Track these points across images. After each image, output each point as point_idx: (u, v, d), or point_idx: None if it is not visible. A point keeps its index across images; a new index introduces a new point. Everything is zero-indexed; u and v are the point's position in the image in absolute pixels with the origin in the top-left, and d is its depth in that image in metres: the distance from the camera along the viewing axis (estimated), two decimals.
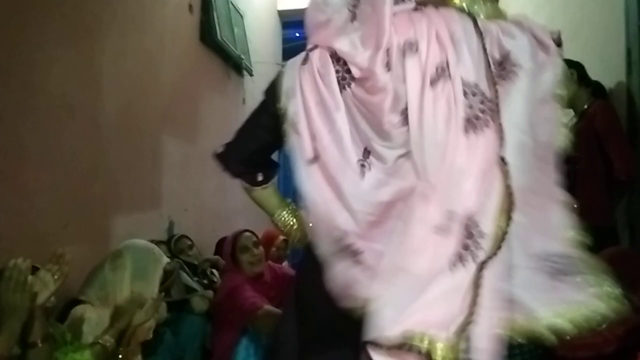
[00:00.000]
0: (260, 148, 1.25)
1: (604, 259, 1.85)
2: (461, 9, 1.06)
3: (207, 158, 4.54)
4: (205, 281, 2.90)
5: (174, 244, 3.11)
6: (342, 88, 1.05)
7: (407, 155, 1.04)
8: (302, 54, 1.12)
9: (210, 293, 2.75)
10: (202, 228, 3.81)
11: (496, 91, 1.00)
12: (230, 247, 2.51)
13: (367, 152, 1.05)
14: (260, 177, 1.27)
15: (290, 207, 1.30)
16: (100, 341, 1.61)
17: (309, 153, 1.06)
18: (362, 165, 1.04)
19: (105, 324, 1.75)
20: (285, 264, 3.58)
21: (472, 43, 1.01)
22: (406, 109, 1.01)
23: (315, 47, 1.10)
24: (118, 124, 2.78)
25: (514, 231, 0.95)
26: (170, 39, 3.44)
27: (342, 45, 1.04)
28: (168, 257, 2.24)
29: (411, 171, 1.03)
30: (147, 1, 3.17)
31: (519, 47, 1.04)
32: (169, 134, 3.40)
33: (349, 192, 1.03)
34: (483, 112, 0.99)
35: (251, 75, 4.85)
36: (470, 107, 0.99)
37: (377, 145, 1.05)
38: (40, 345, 1.43)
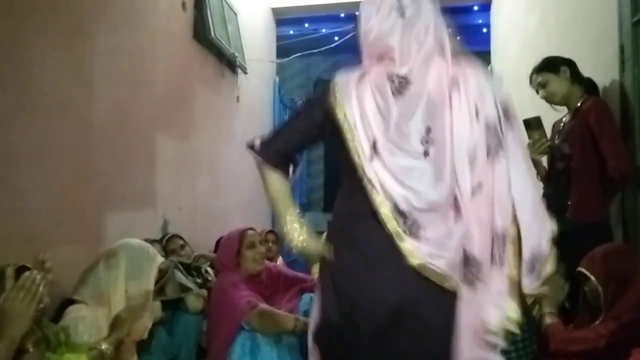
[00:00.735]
0: (303, 144, 1.46)
1: (599, 255, 1.88)
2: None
3: (201, 156, 4.51)
4: (199, 280, 2.89)
5: (165, 244, 3.09)
6: (398, 94, 1.29)
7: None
8: (357, 70, 1.36)
9: (205, 292, 2.74)
10: (196, 226, 3.80)
11: (501, 129, 1.29)
12: (237, 244, 2.50)
13: (424, 139, 1.28)
14: (291, 169, 1.46)
15: (298, 218, 1.43)
16: (98, 347, 1.61)
17: (367, 151, 1.28)
18: (426, 152, 1.28)
19: (100, 323, 1.75)
20: (280, 260, 3.59)
21: (490, 91, 1.31)
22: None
23: (372, 66, 1.34)
24: (111, 122, 2.77)
25: None
26: (163, 36, 3.42)
27: (402, 70, 1.31)
28: (162, 255, 2.23)
29: None
30: None
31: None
32: (162, 132, 3.39)
33: (405, 179, 1.27)
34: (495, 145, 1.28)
35: (245, 73, 4.83)
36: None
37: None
38: (31, 350, 1.42)
